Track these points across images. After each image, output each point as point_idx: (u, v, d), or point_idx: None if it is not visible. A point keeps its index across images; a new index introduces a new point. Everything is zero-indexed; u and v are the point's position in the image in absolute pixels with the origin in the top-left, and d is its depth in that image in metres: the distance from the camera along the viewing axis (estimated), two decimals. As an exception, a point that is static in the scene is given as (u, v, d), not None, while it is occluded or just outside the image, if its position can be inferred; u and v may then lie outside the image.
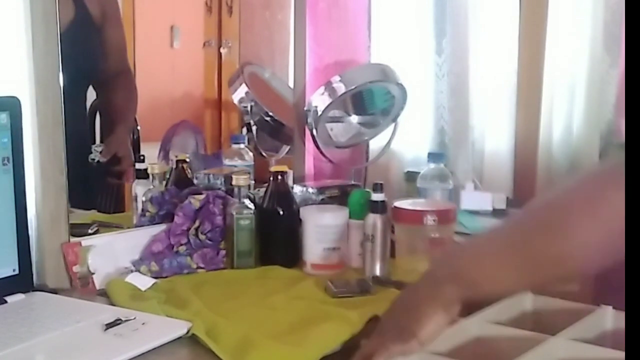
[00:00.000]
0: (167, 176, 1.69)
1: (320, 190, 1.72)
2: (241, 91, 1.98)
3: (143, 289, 1.37)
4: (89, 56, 1.72)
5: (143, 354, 1.09)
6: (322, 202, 1.70)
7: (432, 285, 1.04)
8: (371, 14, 2.09)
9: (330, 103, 1.84)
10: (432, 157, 1.86)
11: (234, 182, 1.55)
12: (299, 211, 1.56)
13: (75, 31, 1.58)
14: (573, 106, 2.04)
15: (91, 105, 1.74)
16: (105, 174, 1.73)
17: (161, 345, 1.12)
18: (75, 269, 1.38)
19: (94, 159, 1.70)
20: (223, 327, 1.17)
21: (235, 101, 1.99)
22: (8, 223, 1.29)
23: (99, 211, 1.71)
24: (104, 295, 1.36)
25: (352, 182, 1.89)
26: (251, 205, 1.54)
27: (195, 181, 1.72)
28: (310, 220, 1.53)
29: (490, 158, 2.13)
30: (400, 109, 1.95)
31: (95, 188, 1.73)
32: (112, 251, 1.44)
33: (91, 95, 1.74)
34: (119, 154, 1.74)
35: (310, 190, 1.72)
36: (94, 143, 1.74)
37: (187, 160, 1.72)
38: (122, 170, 1.74)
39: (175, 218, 1.53)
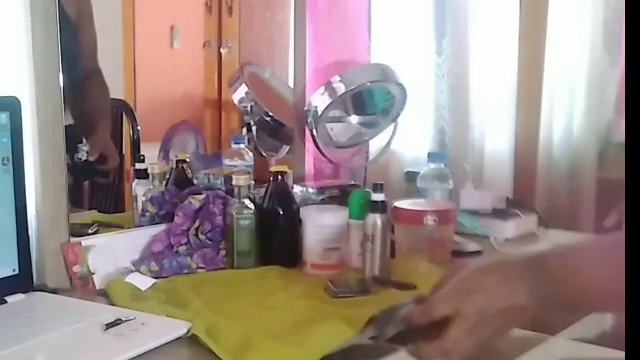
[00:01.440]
0: (167, 176, 1.69)
1: (320, 190, 1.72)
2: (241, 91, 1.98)
3: (143, 289, 1.37)
4: (65, 58, 1.71)
5: (143, 354, 1.09)
6: (322, 202, 1.70)
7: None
8: (371, 14, 2.10)
9: (330, 103, 1.84)
10: (432, 157, 1.86)
11: (234, 182, 1.55)
12: (299, 211, 1.56)
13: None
14: (573, 106, 2.04)
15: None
16: (92, 172, 1.73)
17: (161, 345, 1.12)
18: (75, 269, 1.38)
19: (80, 158, 1.69)
20: (223, 327, 1.17)
21: (235, 101, 1.99)
22: (8, 223, 1.29)
23: (99, 211, 1.71)
24: (104, 295, 1.35)
25: (352, 182, 1.89)
26: (251, 205, 1.54)
27: (195, 181, 1.72)
28: (310, 220, 1.53)
29: (490, 158, 2.14)
30: (400, 109, 1.95)
31: (84, 186, 1.73)
32: (112, 251, 1.44)
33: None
34: (105, 152, 1.74)
35: (310, 190, 1.72)
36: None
37: (187, 160, 1.72)
38: (109, 169, 1.74)
39: (175, 218, 1.53)
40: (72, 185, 1.66)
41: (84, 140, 1.73)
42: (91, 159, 1.69)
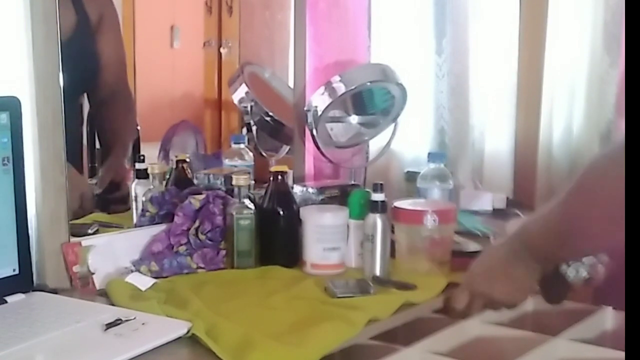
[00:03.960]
0: (167, 176, 1.69)
1: (320, 190, 1.72)
2: (241, 91, 1.98)
3: (143, 289, 1.37)
4: (87, 66, 1.67)
5: (143, 354, 1.09)
6: (322, 202, 1.70)
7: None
8: (371, 14, 2.09)
9: (330, 103, 1.84)
10: (432, 157, 1.86)
11: (234, 182, 1.55)
12: (299, 211, 1.56)
13: (76, 38, 1.55)
14: (573, 106, 2.04)
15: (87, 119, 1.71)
16: (106, 203, 1.71)
17: (161, 345, 1.12)
18: (75, 269, 1.38)
19: (93, 192, 1.69)
20: (223, 327, 1.17)
21: (235, 101, 1.99)
22: (8, 223, 1.29)
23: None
24: (104, 295, 1.35)
25: (352, 182, 1.89)
26: (251, 205, 1.54)
27: (195, 181, 1.72)
28: (310, 220, 1.53)
29: (490, 158, 2.14)
30: (400, 109, 1.95)
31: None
32: (112, 251, 1.44)
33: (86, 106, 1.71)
34: (116, 179, 1.72)
35: (310, 190, 1.72)
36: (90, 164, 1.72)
37: (187, 160, 1.72)
38: (123, 195, 1.70)
39: (175, 218, 1.53)
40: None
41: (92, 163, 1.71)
42: (99, 191, 1.68)
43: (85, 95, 1.70)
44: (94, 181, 1.71)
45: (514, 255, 1.25)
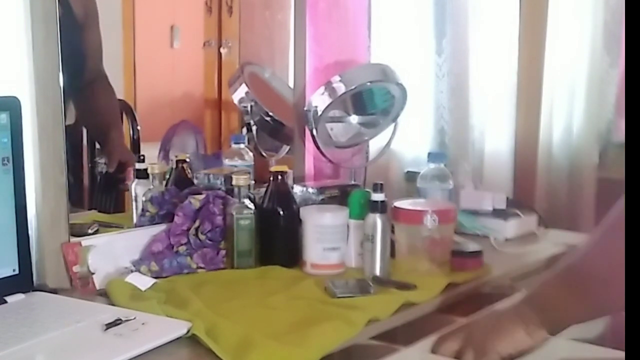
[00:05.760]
0: (167, 176, 1.69)
1: (320, 190, 1.72)
2: (241, 91, 1.97)
3: (143, 289, 1.37)
4: (71, 59, 1.68)
5: (143, 354, 1.09)
6: (322, 202, 1.70)
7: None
8: (371, 14, 2.09)
9: (330, 103, 1.84)
10: (432, 157, 1.86)
11: (234, 182, 1.55)
12: (299, 211, 1.56)
13: (61, 32, 1.55)
14: (573, 106, 2.04)
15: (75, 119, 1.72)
16: (115, 182, 1.72)
17: (161, 345, 1.12)
18: (75, 269, 1.38)
19: (101, 171, 1.70)
20: (223, 327, 1.17)
21: (235, 101, 1.99)
22: (8, 223, 1.29)
23: (99, 211, 1.71)
24: (104, 295, 1.35)
25: (352, 182, 1.89)
26: (251, 205, 1.54)
27: (195, 181, 1.72)
28: (310, 220, 1.53)
29: (490, 158, 2.14)
30: (400, 109, 1.95)
31: (98, 192, 1.73)
32: (112, 251, 1.44)
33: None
34: (122, 159, 1.74)
35: (310, 190, 1.72)
36: (93, 155, 1.73)
37: (187, 160, 1.72)
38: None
39: (175, 218, 1.53)
40: (101, 198, 1.67)
41: (97, 149, 1.72)
42: (111, 170, 1.69)
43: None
44: (102, 160, 1.72)
45: (517, 316, 1.19)
